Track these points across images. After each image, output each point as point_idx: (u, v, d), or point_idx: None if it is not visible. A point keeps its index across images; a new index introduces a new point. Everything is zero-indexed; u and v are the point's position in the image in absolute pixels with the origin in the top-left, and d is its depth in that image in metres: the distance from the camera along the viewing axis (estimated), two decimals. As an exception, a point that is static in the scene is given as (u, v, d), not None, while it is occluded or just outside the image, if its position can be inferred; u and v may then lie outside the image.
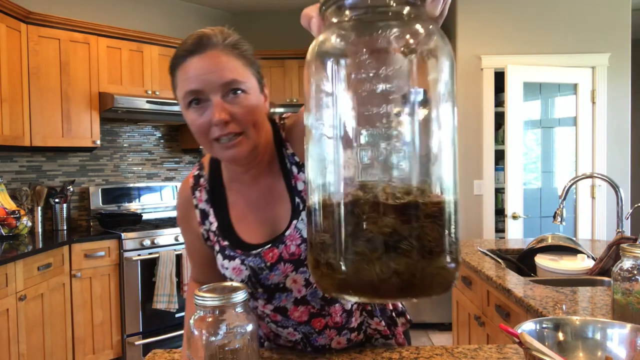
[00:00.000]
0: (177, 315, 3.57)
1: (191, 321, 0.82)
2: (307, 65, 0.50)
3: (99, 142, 3.61)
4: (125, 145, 4.16)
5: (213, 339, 0.80)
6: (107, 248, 3.31)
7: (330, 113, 0.47)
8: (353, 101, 0.46)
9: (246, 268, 0.97)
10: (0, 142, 2.97)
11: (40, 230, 3.52)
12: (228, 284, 0.87)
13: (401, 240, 0.44)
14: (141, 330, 3.42)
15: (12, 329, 2.61)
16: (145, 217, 3.98)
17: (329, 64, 0.47)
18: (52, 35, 3.36)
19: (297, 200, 0.95)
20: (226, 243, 1.00)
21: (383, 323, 1.11)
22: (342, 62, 0.46)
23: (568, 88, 3.94)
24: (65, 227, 3.63)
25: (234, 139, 0.86)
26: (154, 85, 3.85)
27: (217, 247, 1.01)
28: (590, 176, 2.31)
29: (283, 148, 0.97)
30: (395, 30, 0.46)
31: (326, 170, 0.48)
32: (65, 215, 3.63)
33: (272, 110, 1.02)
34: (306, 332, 1.05)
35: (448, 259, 0.46)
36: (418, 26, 0.47)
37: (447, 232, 0.46)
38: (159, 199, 4.22)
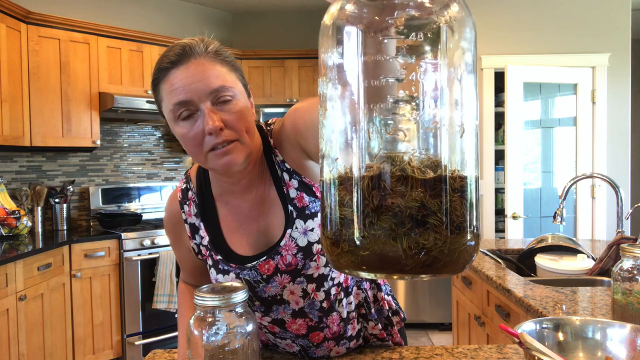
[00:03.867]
0: (177, 316, 3.56)
1: (191, 321, 0.82)
2: (325, 31, 0.48)
3: (99, 142, 3.61)
4: (125, 145, 4.16)
5: (213, 339, 0.80)
6: (107, 248, 3.31)
7: (352, 81, 0.44)
8: (377, 68, 0.43)
9: (241, 281, 0.95)
10: (0, 142, 2.97)
11: (40, 230, 3.52)
12: (228, 284, 0.87)
13: (430, 215, 0.42)
14: (141, 330, 3.43)
15: (12, 329, 2.61)
16: (145, 217, 3.98)
17: (351, 29, 0.45)
18: (52, 35, 3.36)
19: (290, 208, 0.92)
20: (219, 257, 0.96)
21: (379, 326, 1.10)
22: (365, 27, 0.44)
23: (568, 88, 3.94)
24: (65, 227, 3.63)
25: (229, 146, 0.83)
26: (154, 85, 3.85)
27: (210, 262, 0.99)
28: (590, 176, 2.31)
29: (272, 155, 0.93)
30: None
31: (346, 142, 0.45)
32: (65, 215, 3.63)
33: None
34: (304, 345, 1.04)
35: (472, 235, 0.45)
36: None
37: (473, 207, 0.45)
38: (159, 199, 4.22)
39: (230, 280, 0.96)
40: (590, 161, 3.93)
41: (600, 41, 3.92)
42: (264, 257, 0.93)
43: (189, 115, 0.83)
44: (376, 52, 0.43)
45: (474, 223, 0.46)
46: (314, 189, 0.92)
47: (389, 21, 0.43)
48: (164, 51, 0.87)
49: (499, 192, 4.14)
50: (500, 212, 4.06)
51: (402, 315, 1.19)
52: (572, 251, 2.16)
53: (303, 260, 0.92)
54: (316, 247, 0.91)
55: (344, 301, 1.01)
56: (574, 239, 2.30)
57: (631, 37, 3.93)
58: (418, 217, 0.42)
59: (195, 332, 0.81)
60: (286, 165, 0.92)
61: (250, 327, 0.83)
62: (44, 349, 2.89)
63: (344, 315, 1.02)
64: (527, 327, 0.90)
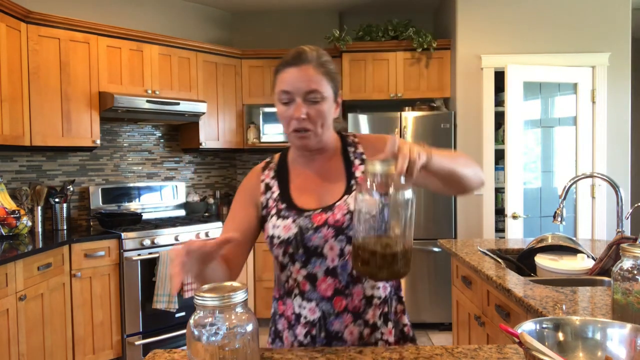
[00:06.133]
0: (177, 315, 3.57)
1: (191, 321, 0.82)
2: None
3: (99, 141, 3.61)
4: (125, 144, 4.16)
5: (213, 339, 0.80)
6: (107, 248, 3.31)
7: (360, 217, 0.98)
8: (366, 217, 0.96)
9: (295, 226, 1.15)
10: (0, 142, 2.97)
11: (40, 230, 3.52)
12: (228, 284, 0.87)
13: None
14: (141, 330, 3.43)
15: (12, 329, 2.61)
16: (145, 216, 3.98)
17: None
18: (52, 35, 3.36)
19: (352, 182, 1.20)
20: (283, 206, 1.20)
21: (393, 337, 1.19)
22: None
23: (568, 87, 3.94)
24: (65, 227, 3.63)
25: (305, 133, 1.15)
26: (154, 85, 3.85)
27: (273, 211, 1.20)
28: (590, 176, 2.31)
29: (350, 146, 1.25)
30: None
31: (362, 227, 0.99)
32: (65, 215, 3.63)
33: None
34: (326, 311, 1.15)
35: (404, 267, 0.99)
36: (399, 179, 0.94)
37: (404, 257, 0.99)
38: (159, 199, 4.22)
39: (286, 225, 1.16)
40: (590, 161, 3.93)
41: (600, 40, 3.92)
42: (319, 210, 1.16)
43: (288, 101, 1.15)
44: (364, 213, 0.98)
45: (407, 261, 1.00)
46: None
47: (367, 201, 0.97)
48: (290, 51, 1.19)
49: (499, 192, 4.14)
50: (500, 212, 4.05)
51: (416, 344, 1.26)
52: (572, 251, 2.16)
53: (349, 221, 1.13)
54: None
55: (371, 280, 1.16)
56: (574, 238, 2.30)
57: (631, 36, 3.93)
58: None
59: (195, 332, 0.81)
60: (363, 156, 1.23)
61: (250, 327, 0.83)
62: (44, 349, 2.89)
63: (367, 293, 1.16)
64: (527, 327, 0.90)
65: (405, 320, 1.26)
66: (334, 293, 1.14)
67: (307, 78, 1.13)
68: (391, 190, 0.92)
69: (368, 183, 0.94)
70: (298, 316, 1.18)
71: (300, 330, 1.17)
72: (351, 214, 1.13)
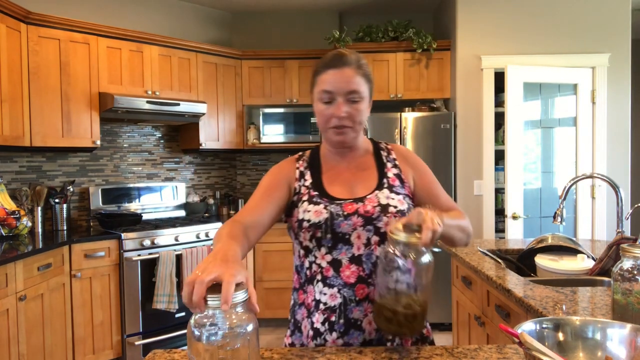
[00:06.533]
0: (177, 315, 3.57)
1: (191, 321, 0.82)
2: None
3: (99, 142, 3.61)
4: (125, 145, 4.16)
5: (213, 338, 0.80)
6: (107, 248, 3.31)
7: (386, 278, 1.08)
8: (390, 278, 1.06)
9: (327, 212, 1.21)
10: (0, 142, 2.97)
11: (40, 230, 3.52)
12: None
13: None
14: (141, 330, 3.42)
15: (12, 329, 2.61)
16: (145, 217, 3.98)
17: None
18: (52, 35, 3.36)
19: (384, 180, 1.28)
20: (316, 193, 1.27)
21: (410, 340, 1.21)
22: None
23: (568, 88, 3.94)
24: (65, 227, 3.62)
25: (343, 129, 1.24)
26: (154, 85, 3.85)
27: (305, 197, 1.27)
28: (590, 176, 2.31)
29: (382, 150, 1.36)
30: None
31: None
32: (65, 216, 3.63)
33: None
34: (347, 296, 1.18)
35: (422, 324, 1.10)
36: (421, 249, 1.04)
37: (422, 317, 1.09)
38: (159, 199, 4.22)
39: (317, 210, 1.22)
40: (590, 161, 3.93)
41: (600, 41, 3.92)
42: (350, 200, 1.24)
43: (329, 100, 1.23)
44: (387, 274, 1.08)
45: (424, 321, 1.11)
46: (404, 183, 1.30)
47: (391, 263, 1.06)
48: (328, 53, 1.27)
49: (499, 192, 4.13)
50: (500, 212, 4.05)
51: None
52: (572, 251, 2.16)
53: (379, 213, 1.21)
54: (391, 209, 1.22)
55: None
56: (574, 239, 2.30)
57: (631, 37, 3.94)
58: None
59: (196, 332, 0.81)
60: (396, 162, 1.34)
61: (250, 327, 0.83)
62: (44, 349, 2.89)
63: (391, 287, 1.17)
64: (527, 327, 0.90)
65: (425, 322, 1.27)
66: (357, 280, 1.18)
67: (348, 79, 1.22)
68: (412, 255, 1.02)
69: (391, 248, 1.03)
70: (318, 303, 1.20)
71: (318, 317, 1.19)
72: (381, 207, 1.21)
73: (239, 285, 0.83)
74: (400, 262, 1.02)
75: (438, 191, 1.34)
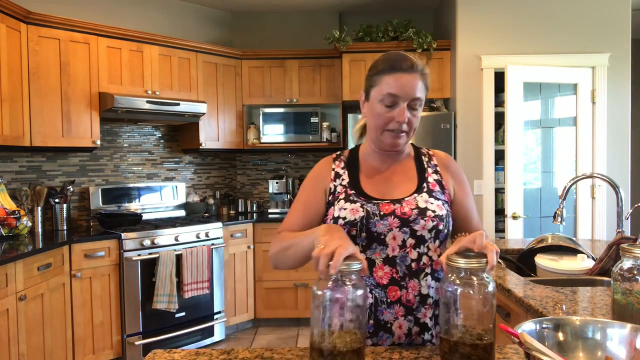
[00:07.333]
0: (177, 316, 3.57)
1: (314, 287, 0.94)
2: None
3: (99, 142, 3.61)
4: (125, 145, 4.16)
5: (353, 295, 0.93)
6: (107, 248, 3.31)
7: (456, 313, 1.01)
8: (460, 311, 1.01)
9: (363, 210, 1.20)
10: (0, 142, 2.97)
11: (40, 230, 3.52)
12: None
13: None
14: (141, 330, 3.42)
15: (12, 329, 2.61)
16: (145, 217, 3.98)
17: None
18: (52, 35, 3.36)
19: (424, 184, 1.28)
20: (353, 192, 1.26)
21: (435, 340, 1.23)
22: None
23: (568, 88, 3.94)
24: (65, 227, 3.62)
25: (400, 133, 1.24)
26: (154, 85, 3.85)
27: (341, 196, 1.26)
28: (590, 176, 2.30)
29: (425, 156, 1.36)
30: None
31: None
32: (65, 215, 3.63)
33: None
34: (379, 297, 1.18)
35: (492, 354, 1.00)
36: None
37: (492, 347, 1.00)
38: (159, 199, 4.22)
39: (354, 208, 1.22)
40: (590, 161, 3.93)
41: (600, 41, 3.92)
42: (388, 200, 1.23)
43: (391, 104, 1.21)
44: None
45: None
46: (445, 190, 1.30)
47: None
48: (390, 52, 1.27)
49: (499, 192, 4.13)
50: (500, 212, 4.05)
51: None
52: (572, 251, 2.15)
53: (416, 216, 1.20)
54: (429, 213, 1.21)
55: (429, 278, 1.21)
56: (574, 239, 2.29)
57: (631, 37, 3.93)
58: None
59: (319, 292, 0.94)
60: (437, 168, 1.33)
61: (360, 292, 0.95)
62: (44, 349, 2.89)
63: (423, 291, 1.20)
64: (527, 327, 0.90)
65: None
66: (390, 282, 1.18)
67: (414, 86, 1.21)
68: (476, 281, 0.97)
69: (453, 278, 0.97)
70: None
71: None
72: (419, 210, 1.21)
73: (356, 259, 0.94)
74: (469, 289, 0.97)
75: (471, 205, 1.34)
